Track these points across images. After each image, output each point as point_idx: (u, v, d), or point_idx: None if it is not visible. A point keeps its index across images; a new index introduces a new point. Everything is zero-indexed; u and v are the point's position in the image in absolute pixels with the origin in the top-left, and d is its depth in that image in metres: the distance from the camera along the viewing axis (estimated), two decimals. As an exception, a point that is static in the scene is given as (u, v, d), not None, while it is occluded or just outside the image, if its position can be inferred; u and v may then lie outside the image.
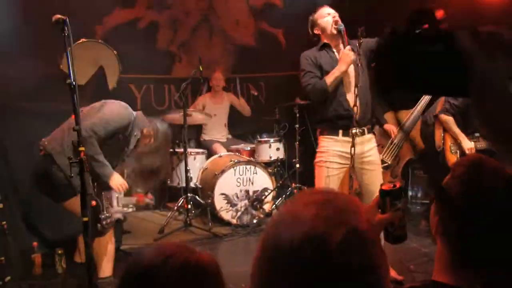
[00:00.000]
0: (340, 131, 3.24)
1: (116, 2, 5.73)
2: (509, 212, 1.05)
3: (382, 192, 1.27)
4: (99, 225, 2.99)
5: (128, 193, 3.65)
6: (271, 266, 0.79)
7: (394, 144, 4.68)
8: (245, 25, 6.48)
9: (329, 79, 3.19)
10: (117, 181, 3.17)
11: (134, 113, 3.36)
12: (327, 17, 3.28)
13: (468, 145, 4.06)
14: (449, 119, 4.11)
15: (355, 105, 3.15)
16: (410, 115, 4.74)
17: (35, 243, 3.64)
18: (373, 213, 1.27)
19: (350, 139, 3.19)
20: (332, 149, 3.29)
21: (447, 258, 1.07)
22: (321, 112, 3.32)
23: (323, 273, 0.74)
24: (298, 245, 0.75)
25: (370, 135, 3.37)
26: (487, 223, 1.04)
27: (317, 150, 3.42)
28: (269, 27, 6.51)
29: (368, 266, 0.76)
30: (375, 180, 3.26)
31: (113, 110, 3.22)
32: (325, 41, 3.35)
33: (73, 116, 2.38)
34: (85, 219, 2.31)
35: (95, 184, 3.07)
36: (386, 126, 4.71)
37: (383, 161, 4.14)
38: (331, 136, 3.29)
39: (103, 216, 3.02)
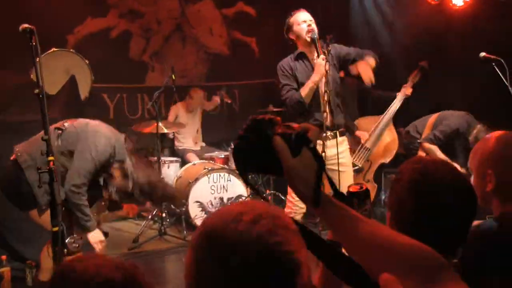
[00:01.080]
0: None
1: (88, 11, 5.69)
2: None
3: (349, 193, 1.31)
4: (65, 249, 2.89)
5: (116, 207, 3.52)
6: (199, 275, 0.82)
7: (365, 148, 4.75)
8: (218, 34, 6.53)
9: (304, 91, 3.27)
10: (96, 238, 3.09)
11: (118, 138, 3.17)
12: (302, 24, 3.32)
13: None
14: (433, 148, 4.20)
15: (325, 110, 3.23)
16: (380, 121, 4.83)
17: (3, 257, 3.55)
18: None
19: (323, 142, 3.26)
20: None
21: None
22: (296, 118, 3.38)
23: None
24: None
25: (343, 138, 3.44)
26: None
27: None
28: (242, 36, 6.57)
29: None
30: (345, 181, 3.32)
31: (98, 144, 3.03)
32: (301, 49, 3.42)
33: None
34: (55, 229, 2.29)
35: (64, 208, 2.97)
36: (358, 133, 4.79)
37: (354, 164, 4.20)
38: None
39: (70, 240, 2.89)
